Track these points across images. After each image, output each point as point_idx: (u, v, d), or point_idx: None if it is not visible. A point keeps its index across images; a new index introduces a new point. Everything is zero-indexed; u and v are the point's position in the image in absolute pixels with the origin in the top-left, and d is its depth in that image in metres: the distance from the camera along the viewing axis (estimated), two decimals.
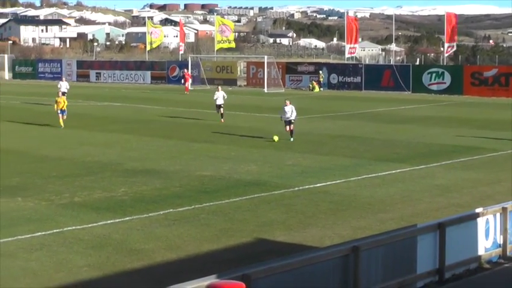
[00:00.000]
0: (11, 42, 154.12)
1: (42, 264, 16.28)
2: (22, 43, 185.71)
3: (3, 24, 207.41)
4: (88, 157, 31.47)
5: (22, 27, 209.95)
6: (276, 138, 35.62)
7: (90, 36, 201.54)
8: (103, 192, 24.13)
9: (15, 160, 30.86)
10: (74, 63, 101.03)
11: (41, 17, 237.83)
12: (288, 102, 36.83)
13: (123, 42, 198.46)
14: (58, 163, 30.05)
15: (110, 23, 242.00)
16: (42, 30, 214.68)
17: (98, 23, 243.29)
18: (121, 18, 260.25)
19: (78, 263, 16.37)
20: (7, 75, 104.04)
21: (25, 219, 20.43)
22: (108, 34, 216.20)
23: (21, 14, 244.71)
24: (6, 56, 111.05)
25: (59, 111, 42.21)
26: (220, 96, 45.49)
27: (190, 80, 74.97)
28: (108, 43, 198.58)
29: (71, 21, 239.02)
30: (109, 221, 20.17)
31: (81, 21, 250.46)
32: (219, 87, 49.06)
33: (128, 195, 23.62)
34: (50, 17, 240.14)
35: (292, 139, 36.00)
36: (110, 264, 16.31)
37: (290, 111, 36.21)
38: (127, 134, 39.31)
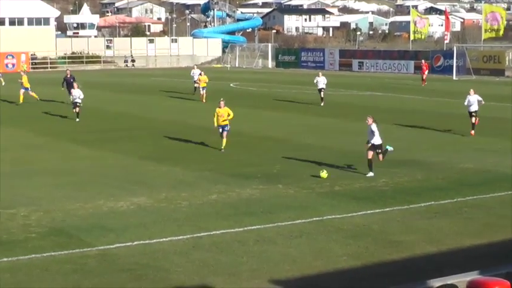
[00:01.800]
0: (275, 31, 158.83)
1: (301, 251, 16.70)
2: (285, 32, 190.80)
3: (268, 13, 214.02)
4: (347, 146, 31.80)
5: (286, 17, 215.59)
6: (323, 174, 24.87)
7: (353, 26, 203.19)
8: (363, 182, 24.31)
9: (276, 147, 31.84)
10: (337, 52, 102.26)
11: (305, 6, 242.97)
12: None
13: (386, 32, 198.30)
14: (319, 151, 30.62)
15: (373, 12, 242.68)
16: (305, 20, 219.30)
17: (361, 12, 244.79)
18: (384, 7, 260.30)
19: (337, 251, 16.63)
20: (270, 63, 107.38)
21: (285, 206, 21.04)
22: (371, 23, 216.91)
23: (285, 4, 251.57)
24: (270, 45, 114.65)
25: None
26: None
27: (426, 72, 72.55)
28: (371, 32, 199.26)
29: (334, 11, 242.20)
30: (369, 211, 20.32)
31: (345, 10, 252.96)
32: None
33: (388, 186, 23.65)
34: (313, 6, 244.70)
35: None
36: (368, 255, 16.43)
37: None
38: (387, 124, 39.09)
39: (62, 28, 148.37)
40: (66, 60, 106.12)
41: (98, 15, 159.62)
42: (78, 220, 19.51)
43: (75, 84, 42.08)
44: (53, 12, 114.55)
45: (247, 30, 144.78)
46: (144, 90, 61.08)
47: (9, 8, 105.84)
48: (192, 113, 44.89)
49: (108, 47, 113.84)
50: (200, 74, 52.84)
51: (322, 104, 48.47)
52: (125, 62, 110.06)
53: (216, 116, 30.27)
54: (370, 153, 25.10)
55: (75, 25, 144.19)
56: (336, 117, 42.71)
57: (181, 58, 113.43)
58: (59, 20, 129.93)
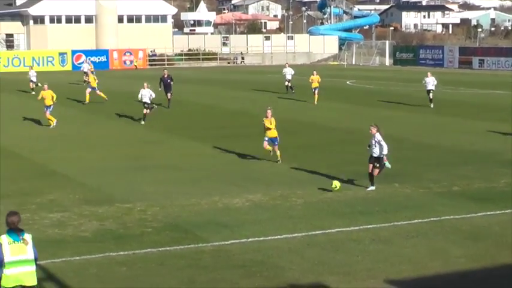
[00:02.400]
0: (392, 28, 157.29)
1: (418, 251, 16.50)
2: (403, 29, 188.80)
3: (386, 10, 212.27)
4: (466, 145, 31.22)
5: (404, 13, 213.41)
6: (335, 185, 22.59)
7: (474, 22, 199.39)
8: (483, 182, 23.83)
9: (393, 146, 31.51)
10: (456, 49, 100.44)
11: (423, 3, 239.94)
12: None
13: (510, 28, 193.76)
14: (435, 151, 30.18)
15: (495, 8, 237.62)
16: (424, 16, 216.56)
17: (483, 8, 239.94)
18: (508, 3, 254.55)
19: (455, 253, 16.35)
20: (388, 61, 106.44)
21: (402, 205, 20.82)
22: (493, 19, 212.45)
23: (403, 0, 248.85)
24: (387, 42, 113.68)
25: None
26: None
27: None
28: (492, 29, 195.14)
29: (454, 7, 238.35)
30: (489, 212, 19.90)
31: (465, 6, 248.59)
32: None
33: (510, 187, 23.08)
34: (432, 3, 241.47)
35: None
36: (488, 257, 16.09)
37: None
38: (503, 123, 38.08)
39: (179, 25, 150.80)
40: (183, 57, 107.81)
41: (214, 13, 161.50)
42: (194, 216, 19.79)
43: (145, 84, 38.95)
44: (170, 10, 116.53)
45: (364, 28, 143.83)
46: (258, 88, 61.44)
47: (127, 5, 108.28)
48: (303, 112, 44.89)
49: (224, 44, 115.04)
50: (313, 74, 49.39)
51: (432, 106, 45.88)
52: (235, 59, 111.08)
53: (264, 126, 27.16)
54: (371, 166, 22.74)
55: (192, 22, 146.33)
56: (455, 115, 41.96)
57: (297, 55, 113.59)
58: (176, 17, 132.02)
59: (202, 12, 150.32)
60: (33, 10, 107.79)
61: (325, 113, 43.51)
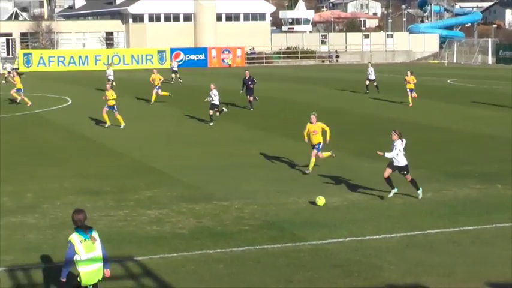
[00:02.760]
0: (495, 26, 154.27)
1: None
2: (507, 27, 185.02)
3: (488, 7, 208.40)
4: None
5: (508, 11, 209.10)
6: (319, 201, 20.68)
7: None
8: None
9: (492, 146, 31.00)
10: None
11: None
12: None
13: None
14: None
15: None
16: None
17: None
18: None
19: None
20: (490, 59, 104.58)
21: (504, 206, 20.42)
22: None
23: None
24: (490, 40, 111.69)
25: None
26: None
27: None
28: None
29: None
30: None
31: None
32: None
33: None
34: None
35: None
36: None
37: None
38: None
39: (277, 23, 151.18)
40: (281, 55, 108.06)
41: (313, 11, 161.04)
42: (291, 214, 19.81)
43: (211, 85, 37.76)
44: (268, 8, 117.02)
45: (466, 25, 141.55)
46: (354, 86, 61.06)
47: (226, 3, 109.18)
48: (402, 111, 44.46)
49: (323, 42, 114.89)
50: (407, 74, 46.57)
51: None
52: (329, 57, 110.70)
53: (307, 131, 25.42)
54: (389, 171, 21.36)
55: (290, 20, 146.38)
56: None
57: (396, 54, 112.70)
58: (274, 15, 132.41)
59: (301, 10, 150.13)
60: (133, 9, 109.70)
61: (425, 112, 42.97)
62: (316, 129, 25.14)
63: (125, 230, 18.45)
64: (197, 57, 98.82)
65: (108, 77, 57.14)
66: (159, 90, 47.15)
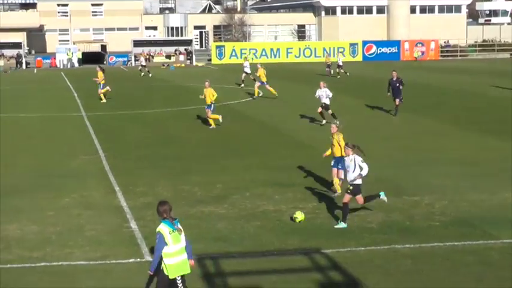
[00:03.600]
0: None
1: None
2: None
3: None
4: None
5: None
6: (298, 217, 18.63)
7: None
8: None
9: None
10: None
11: None
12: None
13: None
14: None
15: None
16: None
17: None
18: None
19: None
20: None
21: None
22: None
23: None
24: None
25: None
26: None
27: None
28: None
29: None
30: None
31: None
32: None
33: None
34: None
35: None
36: None
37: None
38: None
39: (473, 15, 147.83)
40: (476, 48, 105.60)
41: (511, 2, 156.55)
42: (483, 211, 19.38)
43: (321, 83, 35.98)
44: (465, 0, 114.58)
45: None
46: None
47: None
48: None
49: None
50: None
51: None
52: None
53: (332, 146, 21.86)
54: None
55: (487, 12, 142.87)
56: None
57: None
58: (470, 7, 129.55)
59: (499, 1, 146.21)
60: (326, 1, 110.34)
61: None
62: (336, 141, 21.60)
63: (313, 222, 18.63)
64: (389, 50, 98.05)
65: (245, 70, 58.62)
66: (267, 86, 47.88)
